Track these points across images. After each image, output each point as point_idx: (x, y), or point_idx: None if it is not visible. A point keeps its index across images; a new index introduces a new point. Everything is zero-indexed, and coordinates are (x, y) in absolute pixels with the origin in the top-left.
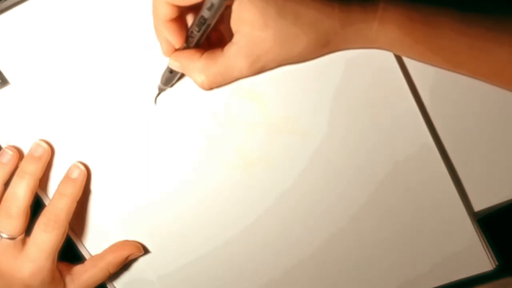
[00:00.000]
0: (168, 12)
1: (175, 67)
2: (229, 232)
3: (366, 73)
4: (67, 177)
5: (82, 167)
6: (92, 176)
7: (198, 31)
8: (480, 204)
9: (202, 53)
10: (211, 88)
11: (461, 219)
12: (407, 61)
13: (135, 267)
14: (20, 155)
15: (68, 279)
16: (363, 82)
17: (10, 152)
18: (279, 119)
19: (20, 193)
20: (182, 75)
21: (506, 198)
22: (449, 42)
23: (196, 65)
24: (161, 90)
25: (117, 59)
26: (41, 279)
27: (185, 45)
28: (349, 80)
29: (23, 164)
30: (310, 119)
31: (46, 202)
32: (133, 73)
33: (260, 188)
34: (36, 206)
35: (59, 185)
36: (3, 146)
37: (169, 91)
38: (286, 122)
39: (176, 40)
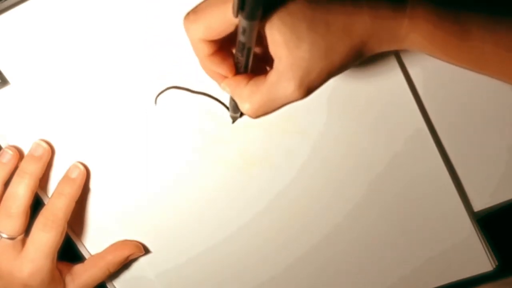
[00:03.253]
0: (207, 48)
1: (227, 92)
2: (228, 231)
3: (365, 72)
4: (66, 177)
5: (82, 167)
6: (92, 175)
7: (242, 56)
8: (480, 204)
9: (249, 80)
10: (257, 116)
11: (461, 219)
12: (407, 60)
13: (134, 265)
14: (20, 155)
15: (68, 279)
16: (363, 81)
17: (10, 152)
18: (279, 119)
19: (20, 193)
20: None
21: (506, 198)
22: (476, 40)
23: (241, 92)
24: (234, 119)
25: (117, 59)
26: (41, 279)
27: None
28: (348, 80)
29: (23, 164)
30: (309, 119)
31: (46, 202)
32: (133, 73)
33: (260, 188)
34: (36, 206)
35: (58, 185)
36: (3, 146)
37: (169, 91)
38: (286, 122)
39: (225, 70)
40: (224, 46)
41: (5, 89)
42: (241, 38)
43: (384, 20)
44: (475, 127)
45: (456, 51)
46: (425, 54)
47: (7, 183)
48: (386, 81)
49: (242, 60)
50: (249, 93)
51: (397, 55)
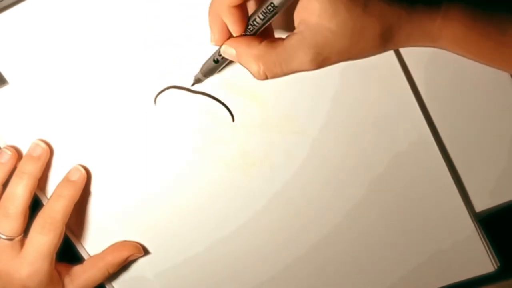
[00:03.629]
0: None
1: (228, 54)
2: (228, 231)
3: (366, 72)
4: (66, 179)
5: (83, 171)
6: (91, 175)
7: (263, 19)
8: (482, 204)
9: (261, 41)
10: (266, 78)
11: (463, 220)
12: (408, 60)
13: (133, 265)
14: (18, 155)
15: (66, 280)
16: (363, 81)
17: (9, 152)
18: (279, 119)
19: (19, 193)
20: (224, 66)
21: (508, 199)
22: (510, 39)
23: (253, 52)
24: (197, 81)
25: (117, 59)
26: (39, 281)
27: (242, 34)
28: (349, 80)
29: (21, 164)
30: (309, 119)
31: (45, 202)
32: (133, 73)
33: (260, 188)
34: (35, 207)
35: (57, 187)
36: (1, 146)
37: (168, 91)
38: (286, 122)
39: (237, 27)
40: (245, 3)
41: (4, 88)
42: (275, 0)
43: (418, 16)
44: (477, 128)
45: (489, 53)
46: (455, 53)
47: (5, 184)
48: (387, 82)
49: (258, 24)
50: (262, 54)
51: (399, 54)
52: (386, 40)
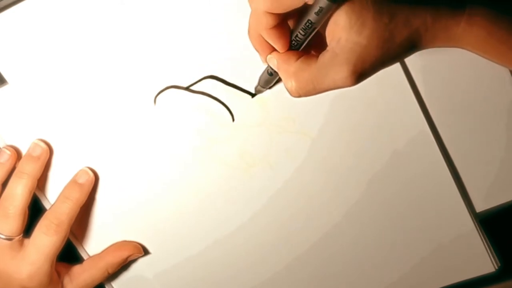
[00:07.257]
0: (270, 21)
1: (273, 64)
2: (227, 231)
3: None
4: (73, 182)
5: (91, 173)
6: (99, 178)
7: (304, 35)
8: (482, 205)
9: (298, 58)
10: (299, 95)
11: (463, 220)
12: (409, 60)
13: (133, 265)
14: (18, 155)
15: (66, 280)
16: (364, 81)
17: (8, 152)
18: (279, 119)
19: (18, 193)
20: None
21: (509, 199)
22: None
23: (289, 69)
24: (258, 92)
25: (116, 58)
26: (39, 281)
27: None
28: None
29: (21, 164)
30: (309, 119)
31: (44, 202)
32: (133, 73)
33: (259, 188)
34: (34, 207)
35: (64, 189)
36: (1, 145)
37: (168, 91)
38: (286, 122)
39: (280, 45)
40: (284, 21)
41: (3, 88)
42: (312, 17)
43: (442, 19)
44: (477, 128)
45: (508, 57)
46: (478, 54)
47: (5, 184)
48: (386, 81)
49: (301, 39)
50: (297, 70)
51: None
52: (414, 43)
